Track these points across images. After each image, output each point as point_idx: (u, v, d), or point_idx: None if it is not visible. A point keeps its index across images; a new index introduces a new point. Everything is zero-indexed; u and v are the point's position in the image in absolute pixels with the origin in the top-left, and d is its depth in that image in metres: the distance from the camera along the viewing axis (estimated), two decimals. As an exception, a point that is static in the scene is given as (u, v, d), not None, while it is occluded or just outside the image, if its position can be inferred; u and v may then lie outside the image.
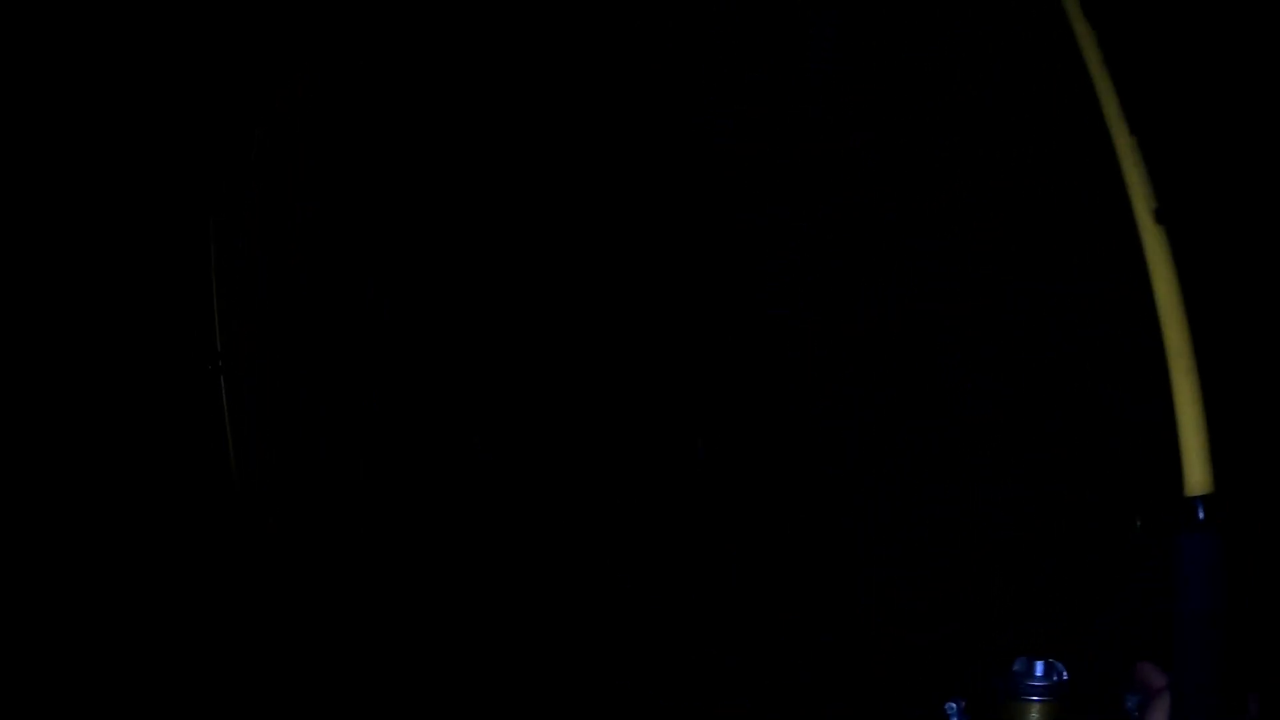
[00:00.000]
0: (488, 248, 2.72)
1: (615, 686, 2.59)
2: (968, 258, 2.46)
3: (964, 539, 2.44)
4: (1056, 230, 2.38)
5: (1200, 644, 1.12)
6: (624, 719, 2.60)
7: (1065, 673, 1.39)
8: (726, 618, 2.58)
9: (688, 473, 2.64)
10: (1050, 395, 2.42)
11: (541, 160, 2.67)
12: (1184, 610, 1.11)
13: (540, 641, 2.64)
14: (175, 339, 2.59)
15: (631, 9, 2.59)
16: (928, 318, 2.51)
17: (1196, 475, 1.07)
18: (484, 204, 2.71)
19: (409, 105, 2.68)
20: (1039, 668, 1.39)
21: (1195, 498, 1.08)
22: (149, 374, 2.65)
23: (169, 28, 2.58)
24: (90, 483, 2.64)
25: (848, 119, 2.56)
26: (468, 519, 2.71)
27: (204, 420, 2.46)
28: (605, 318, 2.69)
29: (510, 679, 2.63)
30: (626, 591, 2.63)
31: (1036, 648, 1.41)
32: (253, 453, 2.44)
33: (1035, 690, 1.39)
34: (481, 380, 2.74)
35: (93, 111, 2.62)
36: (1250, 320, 2.13)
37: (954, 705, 1.47)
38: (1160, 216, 1.07)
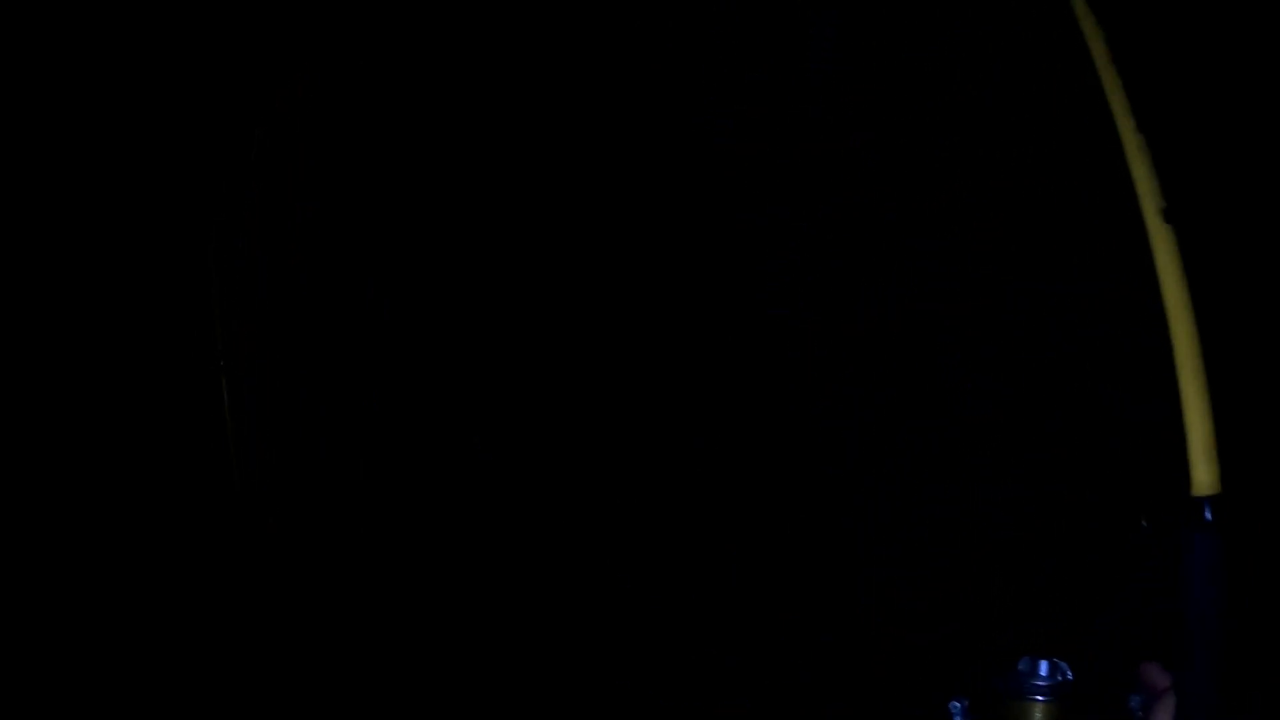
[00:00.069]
0: (488, 248, 2.72)
1: (615, 686, 2.59)
2: (968, 258, 2.46)
3: (964, 539, 2.44)
4: (1056, 230, 2.39)
5: (1206, 644, 1.12)
6: (624, 719, 2.60)
7: (1070, 673, 1.39)
8: (726, 618, 2.58)
9: (688, 473, 2.64)
10: (1050, 395, 2.42)
11: (541, 160, 2.67)
12: (1190, 610, 1.11)
13: (540, 641, 2.64)
14: (174, 339, 2.59)
15: (631, 9, 2.59)
16: (928, 318, 2.51)
17: (1203, 476, 1.07)
18: (484, 204, 2.71)
19: (409, 105, 2.68)
20: (1043, 667, 1.39)
21: (1202, 498, 1.08)
22: (148, 374, 2.65)
23: (169, 28, 2.58)
24: (89, 483, 2.64)
25: (848, 119, 2.57)
26: (468, 519, 2.71)
27: (204, 420, 2.46)
28: (605, 318, 2.69)
29: (510, 679, 2.62)
30: (626, 591, 2.63)
31: (1037, 647, 1.41)
32: (252, 453, 2.44)
33: (1039, 690, 1.39)
34: (481, 380, 2.74)
35: (92, 112, 2.61)
36: (1254, 320, 2.14)
37: (958, 704, 1.47)
38: (1168, 216, 1.06)
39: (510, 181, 2.69)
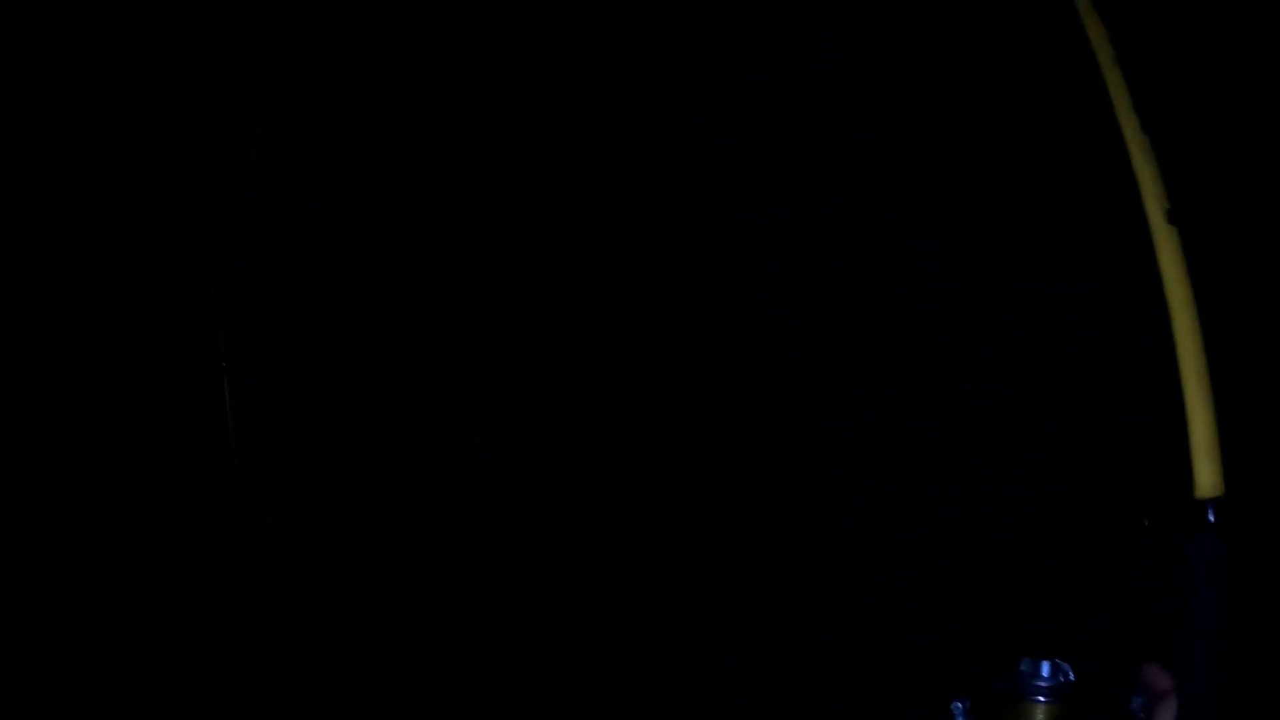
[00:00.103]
0: (488, 248, 2.72)
1: (615, 686, 2.58)
2: (968, 258, 2.46)
3: (964, 539, 2.44)
4: (1056, 230, 2.38)
5: (1209, 646, 1.12)
6: (624, 719, 2.60)
7: (1071, 674, 1.39)
8: (726, 618, 2.58)
9: (687, 473, 2.64)
10: (1050, 395, 2.42)
11: (541, 160, 2.67)
12: (1192, 611, 1.11)
13: (540, 641, 2.64)
14: (174, 339, 2.58)
15: (631, 9, 2.59)
16: (928, 318, 2.51)
17: (1207, 478, 1.07)
18: (484, 204, 2.71)
19: (409, 105, 2.67)
20: (1045, 668, 1.39)
21: (1205, 500, 1.08)
22: (148, 374, 2.65)
23: (169, 28, 2.58)
24: (89, 483, 2.64)
25: (848, 119, 2.56)
26: (468, 519, 2.71)
27: (204, 420, 2.46)
28: (605, 318, 2.69)
29: (510, 679, 2.62)
30: (626, 591, 2.63)
31: (1037, 648, 1.41)
32: (252, 453, 2.44)
33: (1041, 691, 1.39)
34: (481, 380, 2.74)
35: (92, 112, 2.61)
36: (1256, 322, 2.13)
37: (960, 705, 1.47)
38: (1172, 217, 1.06)
39: (510, 181, 2.69)
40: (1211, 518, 1.08)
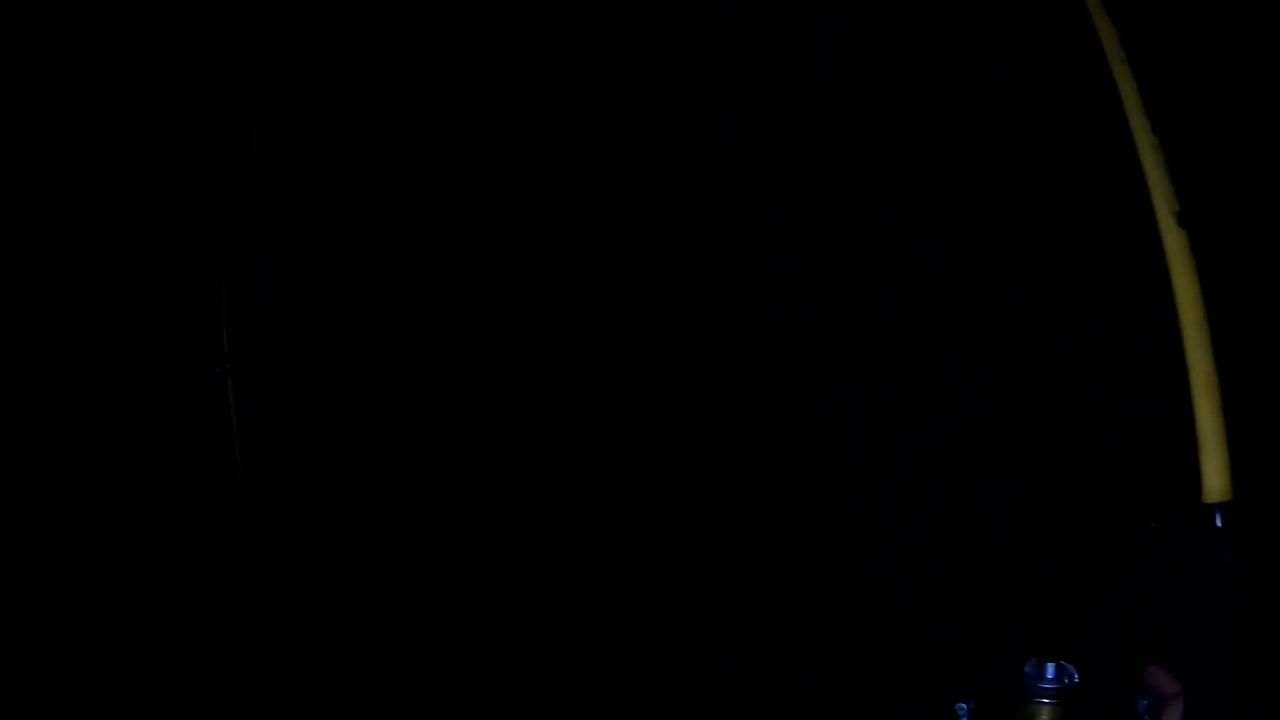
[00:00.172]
0: (488, 248, 2.72)
1: (615, 686, 2.59)
2: (968, 258, 2.46)
3: (964, 539, 2.44)
4: (1056, 230, 2.39)
5: (1214, 649, 1.12)
6: (624, 719, 2.60)
7: (1076, 675, 1.39)
8: (726, 618, 2.58)
9: (687, 473, 2.64)
10: (1050, 395, 2.42)
11: (542, 160, 2.67)
12: (1199, 615, 1.11)
13: (540, 641, 2.64)
14: (175, 339, 2.58)
15: (631, 9, 2.59)
16: (928, 318, 2.51)
17: (1215, 482, 1.06)
18: (484, 204, 2.71)
19: (409, 105, 2.67)
20: (1050, 669, 1.39)
21: (1213, 504, 1.08)
22: (149, 375, 2.65)
23: (169, 28, 2.58)
24: (90, 483, 2.64)
25: (848, 119, 2.57)
26: (468, 519, 2.71)
27: (204, 420, 2.46)
28: (605, 317, 2.69)
29: (510, 679, 2.62)
30: (626, 591, 2.63)
31: (1037, 648, 1.41)
32: (253, 453, 2.43)
33: (1046, 692, 1.39)
34: (481, 380, 2.74)
35: (93, 112, 2.61)
36: (1263, 325, 2.14)
37: (964, 706, 1.47)
38: (1182, 220, 1.06)
39: (510, 182, 2.69)
40: (1219, 522, 1.08)
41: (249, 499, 2.41)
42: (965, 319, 2.49)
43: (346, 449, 2.68)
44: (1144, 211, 1.11)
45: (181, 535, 2.63)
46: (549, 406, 2.71)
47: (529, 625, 2.65)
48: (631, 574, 2.63)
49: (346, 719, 2.62)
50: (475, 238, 2.71)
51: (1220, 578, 1.09)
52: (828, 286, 2.58)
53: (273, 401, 2.47)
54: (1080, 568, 2.32)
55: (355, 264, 2.68)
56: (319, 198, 2.62)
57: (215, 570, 2.58)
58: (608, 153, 2.66)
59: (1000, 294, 2.45)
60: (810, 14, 2.57)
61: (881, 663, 2.46)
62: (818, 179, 2.56)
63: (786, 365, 2.60)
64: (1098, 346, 2.36)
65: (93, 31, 2.58)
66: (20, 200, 2.59)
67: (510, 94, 2.66)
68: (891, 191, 2.52)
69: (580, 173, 2.66)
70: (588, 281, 2.68)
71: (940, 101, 2.48)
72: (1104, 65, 1.10)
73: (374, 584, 2.66)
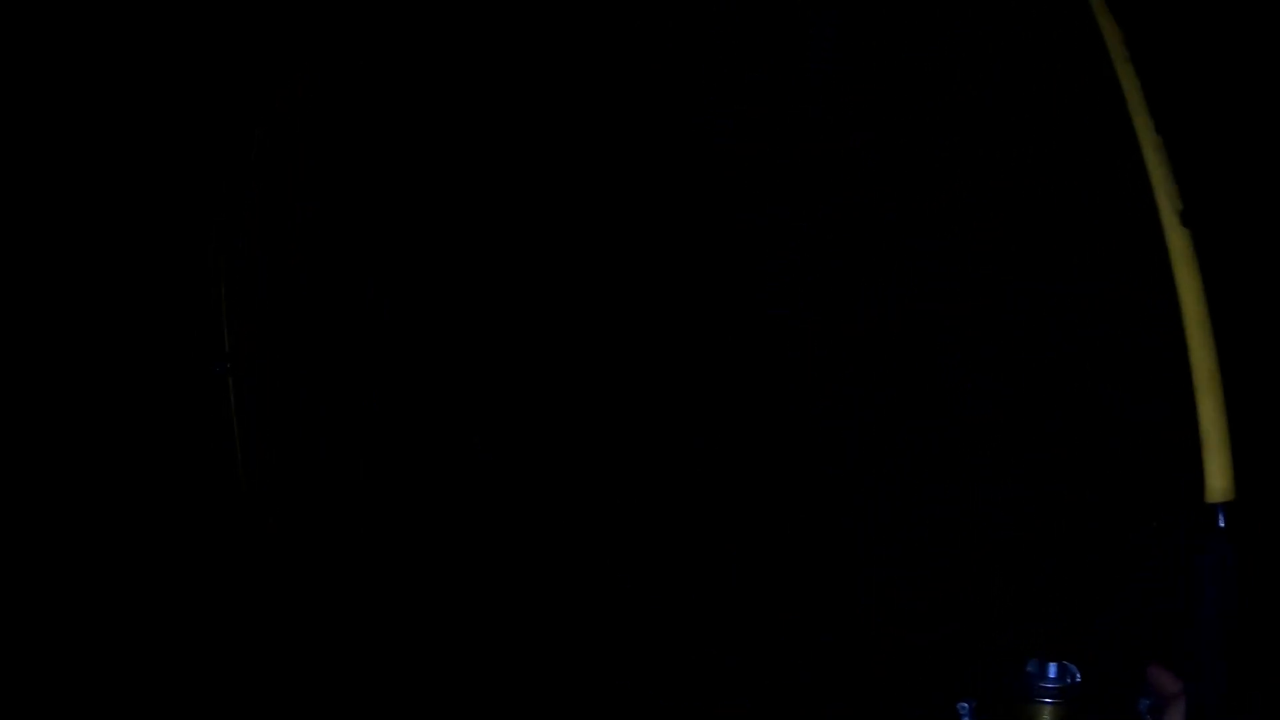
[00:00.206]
0: (488, 248, 2.72)
1: (615, 686, 2.58)
2: (968, 258, 2.46)
3: (964, 539, 2.44)
4: (1057, 230, 2.39)
5: (1217, 649, 1.12)
6: (624, 719, 2.60)
7: (1078, 675, 1.39)
8: (726, 618, 2.58)
9: (687, 473, 2.64)
10: (1050, 395, 2.42)
11: (542, 160, 2.67)
12: (1201, 615, 1.11)
13: (540, 641, 2.64)
14: (175, 339, 2.58)
15: (631, 9, 2.59)
16: (928, 318, 2.51)
17: (1218, 482, 1.06)
18: (484, 204, 2.71)
19: (409, 105, 2.67)
20: (1052, 669, 1.39)
21: (1216, 504, 1.08)
22: (149, 375, 2.64)
23: (169, 28, 2.58)
24: (90, 482, 2.64)
25: (848, 119, 2.57)
26: (467, 519, 2.71)
27: (204, 420, 2.45)
28: (605, 317, 2.69)
29: (510, 679, 2.62)
30: (626, 591, 2.63)
31: (1038, 648, 1.41)
32: (253, 453, 2.43)
33: (1048, 692, 1.39)
34: (481, 380, 2.74)
35: (93, 112, 2.61)
36: (1266, 325, 2.13)
37: (965, 705, 1.47)
38: (1185, 219, 1.06)
39: (510, 182, 2.69)
40: (1221, 522, 1.08)
41: (249, 499, 2.41)
42: (965, 319, 2.49)
43: (346, 449, 2.68)
44: (1147, 210, 1.11)
45: (182, 535, 2.63)
46: (549, 407, 2.71)
47: (529, 625, 2.65)
48: (631, 574, 2.63)
49: (346, 719, 2.62)
50: (475, 238, 2.71)
51: (1222, 577, 1.09)
52: (828, 286, 2.58)
53: (273, 401, 2.47)
54: (1082, 567, 2.32)
55: (355, 264, 2.69)
56: (319, 198, 2.62)
57: (215, 570, 2.58)
58: (608, 153, 2.66)
59: (1001, 294, 2.45)
60: (810, 14, 2.57)
61: (882, 663, 2.46)
62: (818, 179, 2.56)
63: (786, 365, 2.60)
64: (1100, 346, 2.36)
65: (93, 32, 2.58)
66: (21, 201, 2.59)
67: (510, 94, 2.66)
68: (891, 191, 2.52)
69: (580, 173, 2.66)
70: (588, 281, 2.68)
71: (940, 101, 2.48)
72: (1107, 64, 1.10)
73: (374, 584, 2.66)
